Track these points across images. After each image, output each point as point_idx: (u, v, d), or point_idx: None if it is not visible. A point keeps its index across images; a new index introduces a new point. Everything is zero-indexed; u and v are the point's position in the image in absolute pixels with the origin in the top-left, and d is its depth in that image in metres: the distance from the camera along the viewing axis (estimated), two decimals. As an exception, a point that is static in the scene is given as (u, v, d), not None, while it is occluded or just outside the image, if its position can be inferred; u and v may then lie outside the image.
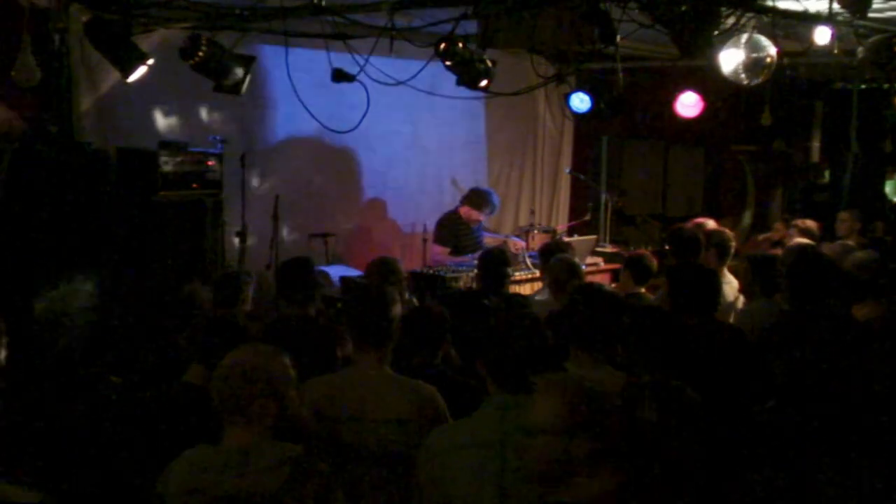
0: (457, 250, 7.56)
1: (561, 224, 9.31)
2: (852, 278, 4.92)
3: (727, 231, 6.59)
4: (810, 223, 7.85)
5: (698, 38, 4.81)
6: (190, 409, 3.30)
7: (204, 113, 7.12)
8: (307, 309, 4.72)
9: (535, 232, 8.27)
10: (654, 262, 5.90)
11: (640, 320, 3.66)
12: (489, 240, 8.02)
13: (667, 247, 5.96)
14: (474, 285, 6.01)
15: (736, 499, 2.76)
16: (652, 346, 3.57)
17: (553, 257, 5.58)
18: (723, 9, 5.05)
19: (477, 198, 7.72)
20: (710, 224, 7.25)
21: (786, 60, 7.19)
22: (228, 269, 6.61)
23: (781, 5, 5.39)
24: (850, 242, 6.82)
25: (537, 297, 5.81)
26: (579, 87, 7.12)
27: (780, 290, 5.21)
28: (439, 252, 7.61)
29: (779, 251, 6.18)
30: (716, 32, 5.06)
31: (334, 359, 4.32)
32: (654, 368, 3.52)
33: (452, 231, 7.68)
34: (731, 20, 5.25)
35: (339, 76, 5.63)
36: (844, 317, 4.49)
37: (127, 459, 3.38)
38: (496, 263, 5.49)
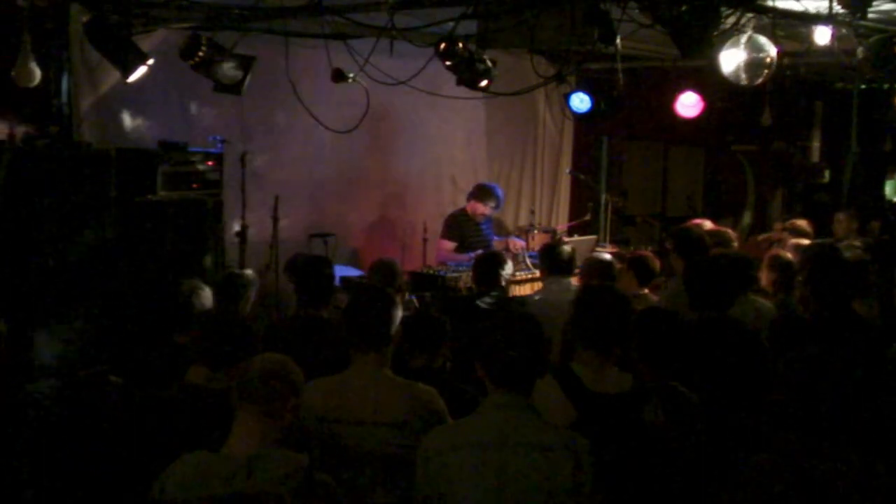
0: (463, 246, 7.61)
1: (561, 224, 9.31)
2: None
3: (729, 231, 6.60)
4: (801, 223, 7.85)
5: (698, 38, 4.81)
6: (192, 411, 3.29)
7: (204, 113, 7.11)
8: (320, 311, 4.65)
9: (535, 232, 8.28)
10: (657, 263, 5.90)
11: (644, 322, 3.66)
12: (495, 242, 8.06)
13: (668, 246, 5.95)
14: (473, 286, 6.01)
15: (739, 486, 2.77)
16: (656, 348, 3.57)
17: None
18: (723, 9, 5.05)
19: (480, 191, 7.83)
20: (708, 225, 7.24)
21: (786, 60, 7.21)
22: (229, 268, 6.61)
23: (781, 5, 5.39)
24: (857, 243, 6.82)
25: (536, 297, 5.81)
26: (579, 87, 7.11)
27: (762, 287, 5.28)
28: (445, 247, 7.69)
29: (777, 251, 6.16)
30: (716, 32, 5.06)
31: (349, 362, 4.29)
32: (658, 370, 3.52)
33: (458, 227, 7.78)
34: (731, 20, 5.25)
35: (339, 76, 5.63)
36: (860, 317, 4.52)
37: (127, 460, 3.37)
38: (491, 266, 5.49)
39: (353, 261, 8.10)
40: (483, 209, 7.78)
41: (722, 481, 2.84)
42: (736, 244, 6.36)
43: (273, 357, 2.98)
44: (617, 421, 3.26)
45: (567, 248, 5.87)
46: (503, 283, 5.52)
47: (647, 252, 6.51)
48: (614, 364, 3.42)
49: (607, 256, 5.71)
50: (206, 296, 4.81)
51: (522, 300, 5.95)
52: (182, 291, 4.60)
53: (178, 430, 3.24)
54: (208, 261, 6.47)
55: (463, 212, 7.88)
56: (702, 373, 3.75)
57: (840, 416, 2.72)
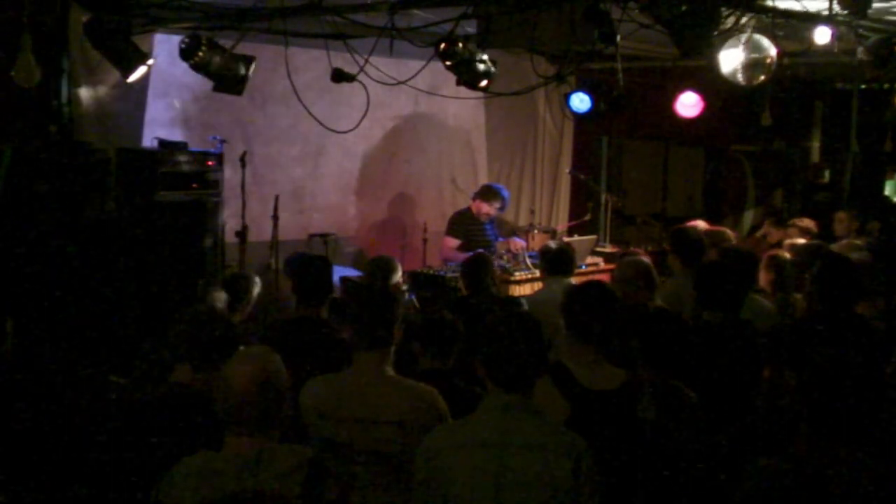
0: (467, 245, 7.63)
1: (561, 224, 9.31)
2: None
3: (727, 231, 6.60)
4: (808, 222, 7.86)
5: (698, 38, 4.80)
6: (182, 410, 3.28)
7: (204, 113, 7.12)
8: (319, 310, 4.59)
9: (535, 232, 8.29)
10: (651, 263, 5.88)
11: (641, 320, 3.66)
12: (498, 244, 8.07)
13: (666, 246, 5.94)
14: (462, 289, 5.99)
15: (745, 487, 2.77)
16: (653, 346, 3.57)
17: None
18: (723, 9, 5.05)
19: (487, 192, 7.87)
20: (702, 226, 7.24)
21: (786, 60, 7.20)
22: (229, 269, 6.61)
23: (781, 5, 5.39)
24: (859, 242, 6.82)
25: (535, 297, 5.81)
26: (579, 87, 7.11)
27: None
28: (449, 245, 7.72)
29: (776, 251, 6.16)
30: (716, 32, 5.06)
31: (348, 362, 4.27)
32: (653, 368, 3.53)
33: (463, 225, 7.81)
34: (731, 20, 5.25)
35: (339, 76, 5.63)
36: (862, 317, 4.52)
37: (126, 460, 3.37)
38: (479, 267, 5.49)
39: (354, 261, 8.11)
40: (488, 209, 7.81)
41: (726, 482, 2.83)
42: (734, 243, 6.35)
43: (251, 372, 2.78)
44: (610, 417, 3.26)
45: (566, 247, 5.86)
46: (493, 285, 5.51)
47: (640, 250, 6.50)
48: (606, 359, 3.43)
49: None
50: (220, 297, 4.81)
51: (521, 300, 5.95)
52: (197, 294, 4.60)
53: (172, 428, 3.24)
54: (208, 261, 6.48)
55: (468, 210, 7.91)
56: (716, 375, 3.76)
57: (858, 419, 2.70)
